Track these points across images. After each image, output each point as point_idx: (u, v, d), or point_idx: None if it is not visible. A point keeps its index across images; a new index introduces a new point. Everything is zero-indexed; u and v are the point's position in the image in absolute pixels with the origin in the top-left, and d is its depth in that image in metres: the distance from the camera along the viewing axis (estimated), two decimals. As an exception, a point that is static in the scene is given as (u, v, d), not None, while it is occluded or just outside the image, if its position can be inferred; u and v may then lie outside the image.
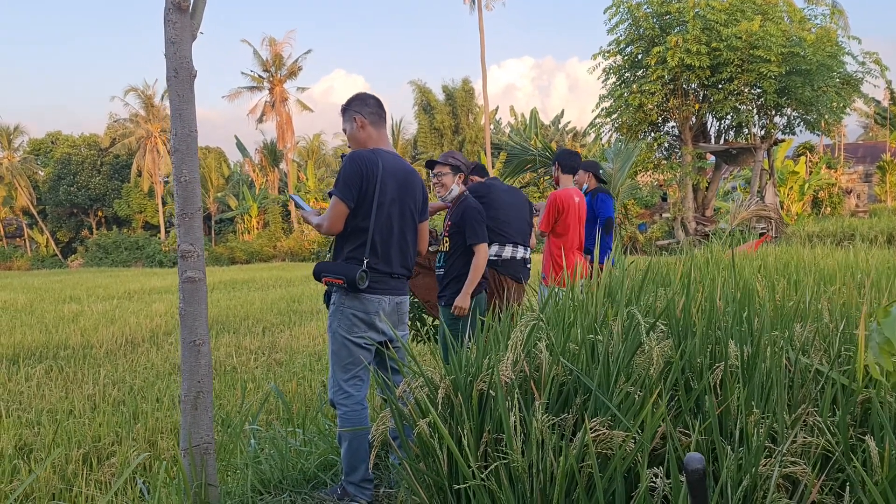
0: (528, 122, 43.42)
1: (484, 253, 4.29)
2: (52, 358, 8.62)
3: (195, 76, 2.60)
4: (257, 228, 46.79)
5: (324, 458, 3.50)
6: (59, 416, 5.88)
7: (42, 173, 53.61)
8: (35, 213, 51.45)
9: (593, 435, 1.88)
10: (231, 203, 48.67)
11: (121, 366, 8.10)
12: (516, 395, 2.03)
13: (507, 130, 47.27)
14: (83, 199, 51.11)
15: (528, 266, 5.06)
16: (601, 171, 6.97)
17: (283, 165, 49.13)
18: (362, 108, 3.24)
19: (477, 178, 5.29)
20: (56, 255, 50.72)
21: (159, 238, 47.12)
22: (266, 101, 45.60)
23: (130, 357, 8.68)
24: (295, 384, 6.84)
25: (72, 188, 50.54)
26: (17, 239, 54.68)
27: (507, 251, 4.87)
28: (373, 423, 3.22)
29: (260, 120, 45.98)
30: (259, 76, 45.39)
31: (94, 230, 52.46)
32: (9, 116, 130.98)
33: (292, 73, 45.45)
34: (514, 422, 1.97)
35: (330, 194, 3.10)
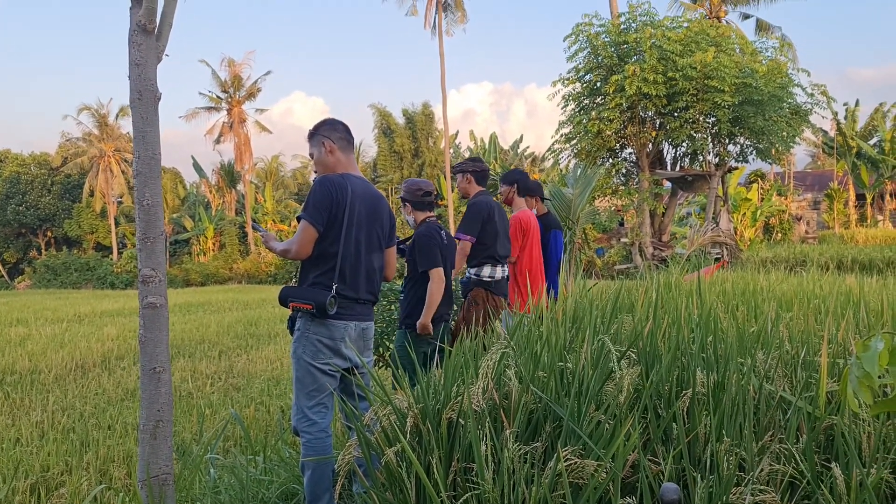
0: (487, 146, 43.79)
1: (437, 277, 4.26)
2: (-3, 384, 8.32)
3: (159, 99, 2.56)
4: (213, 250, 46.06)
5: (285, 487, 3.42)
6: (5, 445, 5.67)
7: (-11, 192, 52.07)
8: (-19, 233, 49.86)
9: (566, 464, 1.87)
10: (187, 224, 47.87)
11: (70, 392, 7.86)
12: (487, 424, 2.01)
13: (467, 154, 47.60)
14: (32, 219, 49.75)
15: (508, 282, 5.09)
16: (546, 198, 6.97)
17: (240, 187, 48.57)
18: (331, 133, 3.23)
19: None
20: (2, 276, 49.17)
21: (111, 259, 46.03)
22: (224, 122, 45.11)
23: (81, 382, 8.42)
24: (253, 410, 6.71)
25: (20, 207, 49.16)
26: (-38, 259, 52.89)
27: (498, 272, 4.88)
28: (337, 451, 3.17)
29: (217, 141, 45.43)
30: (217, 97, 44.95)
31: (42, 251, 51.02)
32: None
33: (251, 95, 45.13)
34: (485, 450, 1.95)
35: (298, 218, 3.07)
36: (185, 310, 18.46)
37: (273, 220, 46.63)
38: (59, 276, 43.51)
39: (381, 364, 6.08)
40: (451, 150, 43.49)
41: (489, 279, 4.83)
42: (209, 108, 45.18)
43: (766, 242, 25.41)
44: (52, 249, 50.01)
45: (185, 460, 4.23)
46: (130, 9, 2.56)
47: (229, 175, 48.21)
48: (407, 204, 4.45)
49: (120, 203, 48.41)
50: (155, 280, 2.54)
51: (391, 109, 46.09)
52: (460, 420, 2.18)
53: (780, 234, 28.08)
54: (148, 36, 2.51)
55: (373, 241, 3.22)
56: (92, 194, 47.29)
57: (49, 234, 51.83)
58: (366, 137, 67.36)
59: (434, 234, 4.34)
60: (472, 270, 4.89)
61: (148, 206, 2.56)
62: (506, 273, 5.00)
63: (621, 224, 29.26)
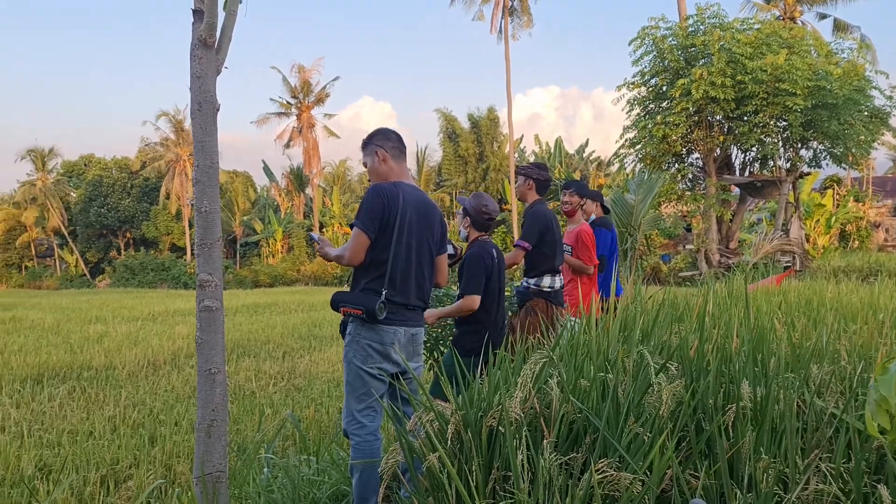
0: (552, 150, 43.53)
1: (468, 304, 4.14)
2: (75, 378, 8.73)
3: (218, 109, 2.67)
4: (282, 252, 47.18)
5: (336, 488, 3.49)
6: (79, 438, 5.94)
7: (74, 195, 54.65)
8: (66, 234, 52.36)
9: (600, 476, 1.87)
10: (256, 227, 49.17)
11: (142, 388, 8.17)
12: (524, 433, 2.03)
13: (532, 159, 47.40)
14: (113, 221, 51.96)
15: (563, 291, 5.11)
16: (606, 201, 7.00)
17: (308, 190, 49.63)
18: (384, 143, 3.30)
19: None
20: (84, 275, 51.47)
21: (185, 260, 47.67)
22: (293, 127, 46.21)
23: (151, 379, 8.75)
24: (312, 410, 6.85)
25: (102, 210, 51.44)
26: (48, 259, 55.62)
27: (557, 282, 4.89)
28: (385, 455, 3.23)
29: (287, 145, 46.57)
30: (287, 102, 46.07)
31: (122, 251, 53.23)
32: (44, 138, 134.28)
33: (320, 100, 46.08)
34: (522, 460, 1.97)
35: (351, 226, 3.15)
36: (253, 310, 18.95)
37: (339, 224, 47.43)
38: (136, 275, 45.30)
39: (432, 369, 6.14)
40: (516, 155, 43.38)
41: (549, 289, 4.85)
42: (279, 114, 46.33)
43: (842, 250, 24.42)
44: (131, 250, 52.13)
45: (241, 458, 4.36)
46: (192, 24, 2.68)
47: (298, 179, 49.31)
48: (467, 216, 4.44)
49: (193, 205, 50.04)
50: (212, 284, 2.65)
51: (457, 114, 46.39)
52: (500, 428, 2.20)
53: (856, 242, 26.96)
54: (208, 49, 2.63)
55: (423, 248, 3.28)
56: (168, 197, 49.09)
57: (128, 235, 54.04)
58: (431, 142, 67.87)
59: (484, 258, 4.27)
60: (532, 280, 4.90)
61: (206, 212, 2.67)
62: (562, 283, 5.01)
63: (688, 230, 28.61)
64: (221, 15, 2.67)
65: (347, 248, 3.17)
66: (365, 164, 3.37)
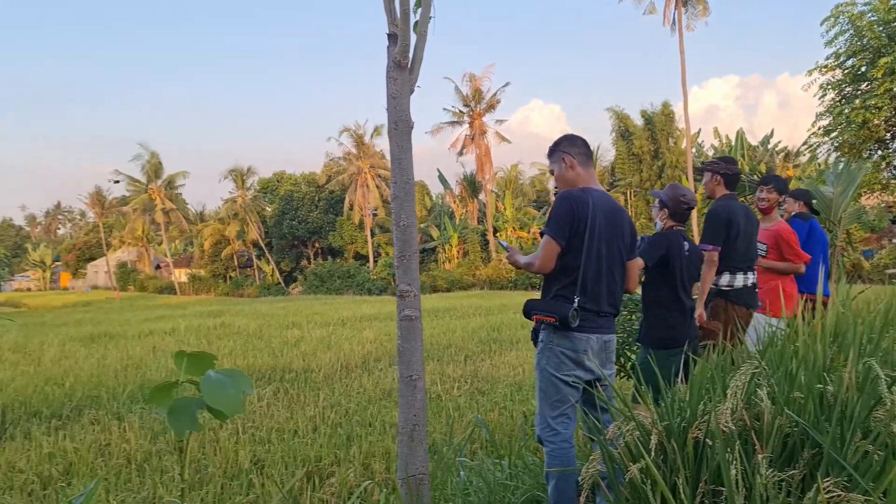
0: (733, 143, 41.10)
1: (638, 266, 3.82)
2: (278, 380, 9.45)
3: (412, 127, 2.80)
4: (457, 257, 48.30)
5: (530, 493, 3.52)
6: (285, 436, 6.43)
7: (269, 209, 59.36)
8: (263, 246, 57.00)
9: (828, 496, 1.74)
10: (433, 233, 50.71)
11: (337, 390, 8.68)
12: (737, 447, 1.94)
13: (711, 153, 45.04)
14: (303, 232, 55.84)
15: (756, 290, 4.80)
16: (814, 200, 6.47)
17: (481, 196, 50.42)
18: (570, 149, 3.29)
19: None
20: (280, 283, 55.69)
21: (368, 267, 50.16)
22: (466, 135, 47.19)
23: (345, 382, 9.27)
24: (497, 413, 6.95)
25: (293, 222, 55.45)
26: (248, 269, 60.82)
27: (739, 280, 4.64)
28: (580, 462, 3.21)
29: (460, 153, 47.64)
30: (459, 111, 47.13)
31: (311, 260, 57.05)
32: (243, 159, 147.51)
33: (491, 107, 46.69)
34: (736, 475, 1.88)
35: (541, 233, 3.17)
36: (433, 315, 19.56)
37: (513, 228, 47.77)
38: (325, 282, 48.34)
39: (621, 375, 6.01)
40: (694, 150, 41.45)
41: (727, 288, 4.58)
42: (452, 123, 47.52)
43: None
44: (319, 259, 55.76)
45: (437, 461, 4.51)
46: (387, 47, 2.83)
47: (471, 185, 50.26)
48: (665, 208, 4.33)
49: (375, 215, 52.57)
50: (410, 294, 2.77)
51: (629, 111, 45.03)
52: (707, 440, 2.12)
53: None
54: (402, 71, 2.76)
55: (614, 254, 3.23)
56: (351, 208, 51.90)
57: (317, 245, 57.83)
58: (603, 141, 66.44)
59: (670, 242, 4.18)
60: None
61: (404, 226, 2.80)
62: (749, 281, 4.68)
63: (894, 222, 25.85)
64: (413, 37, 2.79)
65: (538, 257, 3.19)
66: (552, 172, 3.37)
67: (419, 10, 2.84)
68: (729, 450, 1.96)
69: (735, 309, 4.57)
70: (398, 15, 2.73)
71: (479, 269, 44.78)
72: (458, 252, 48.72)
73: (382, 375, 9.56)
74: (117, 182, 58.56)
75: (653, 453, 2.19)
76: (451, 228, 48.37)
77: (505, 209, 48.38)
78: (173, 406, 1.10)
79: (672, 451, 2.21)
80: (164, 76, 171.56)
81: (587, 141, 3.34)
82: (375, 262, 50.89)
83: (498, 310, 21.08)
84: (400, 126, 2.76)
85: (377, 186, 50.84)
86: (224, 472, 5.43)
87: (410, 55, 2.78)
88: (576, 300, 3.10)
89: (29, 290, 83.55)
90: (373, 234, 52.51)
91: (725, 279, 4.59)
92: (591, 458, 2.39)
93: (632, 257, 3.37)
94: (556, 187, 3.38)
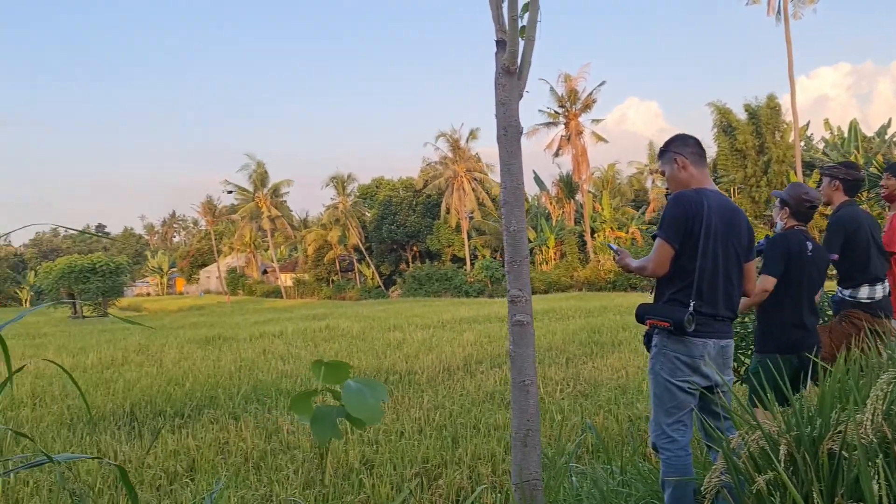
0: (846, 135, 38.85)
1: (765, 286, 3.85)
2: (383, 382, 9.62)
3: (522, 133, 2.80)
4: (555, 259, 47.88)
5: (644, 501, 3.45)
6: (392, 437, 6.54)
7: (368, 214, 60.74)
8: (363, 250, 58.37)
9: None
10: (530, 235, 50.44)
11: (440, 392, 8.75)
12: (880, 461, 1.83)
13: (821, 146, 42.75)
14: (401, 236, 56.81)
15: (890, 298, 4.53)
16: None
17: (578, 196, 49.81)
18: (682, 149, 3.20)
19: None
20: (380, 286, 56.86)
21: (465, 270, 50.45)
22: (562, 136, 46.75)
23: (447, 384, 9.33)
24: (601, 417, 6.83)
25: (392, 226, 56.50)
26: (350, 273, 62.42)
27: (879, 291, 4.39)
28: (696, 470, 3.12)
29: (556, 154, 47.24)
30: (555, 112, 46.74)
31: (410, 263, 57.94)
32: (343, 166, 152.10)
33: (587, 106, 46.07)
34: (879, 490, 1.78)
35: (654, 236, 3.10)
36: (534, 317, 19.45)
37: (611, 228, 46.92)
38: (423, 285, 48.98)
39: (735, 380, 5.79)
40: (802, 143, 39.48)
41: (868, 300, 4.33)
42: (548, 124, 47.19)
43: None
44: (418, 262, 56.56)
45: (548, 466, 4.49)
46: (495, 53, 2.84)
47: (568, 186, 49.74)
48: (785, 207, 4.15)
49: (471, 218, 52.84)
50: (522, 300, 2.77)
51: (731, 106, 43.27)
52: (843, 452, 2.01)
53: None
54: (511, 77, 2.77)
55: (731, 256, 3.12)
56: (448, 211, 52.36)
57: (415, 248, 58.70)
58: (704, 137, 64.07)
59: (789, 243, 3.99)
60: (847, 292, 4.42)
61: (514, 231, 2.80)
62: (887, 290, 4.42)
63: None
64: (521, 43, 2.79)
65: (650, 260, 3.12)
66: (663, 173, 3.29)
67: (526, 15, 2.84)
68: (870, 462, 1.86)
69: (874, 321, 4.31)
70: (506, 21, 2.74)
71: (576, 270, 44.23)
72: (554, 254, 48.29)
73: (484, 378, 9.58)
74: (230, 192, 61.42)
75: (782, 464, 2.10)
76: (548, 230, 47.99)
77: (602, 209, 47.57)
78: (316, 414, 1.14)
79: (803, 463, 2.11)
80: (269, 87, 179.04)
81: (699, 140, 3.24)
82: (472, 264, 51.12)
83: (598, 311, 20.74)
84: (509, 132, 2.77)
85: (473, 189, 51.08)
86: (335, 471, 5.58)
87: (518, 61, 2.78)
88: (691, 304, 3.01)
89: (148, 294, 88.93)
90: (469, 237, 52.77)
91: (865, 291, 4.35)
92: (714, 467, 2.32)
93: (750, 258, 3.24)
94: (667, 188, 3.29)
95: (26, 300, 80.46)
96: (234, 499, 4.93)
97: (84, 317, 40.25)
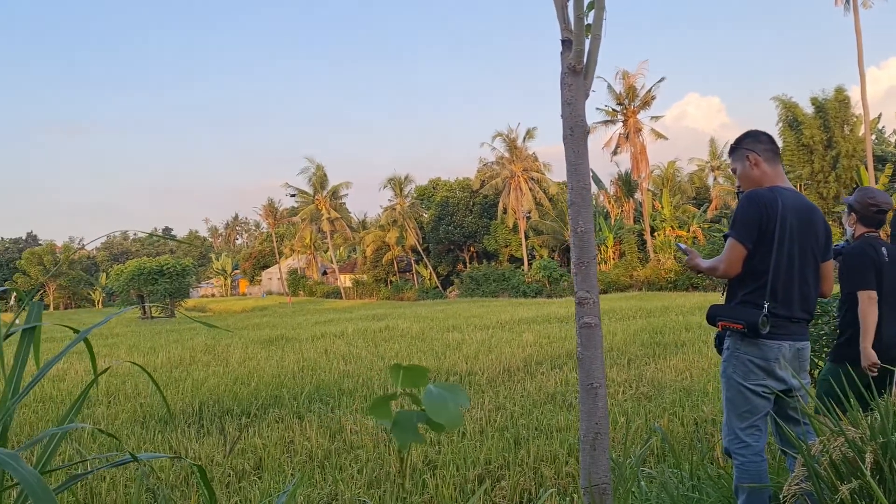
0: (924, 126, 37.22)
1: (866, 299, 3.68)
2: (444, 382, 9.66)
3: (588, 133, 2.76)
4: (613, 258, 47.25)
5: (716, 507, 3.37)
6: (454, 438, 6.55)
7: (426, 215, 61.06)
8: (421, 251, 58.71)
9: None
10: (588, 235, 49.89)
11: (500, 393, 8.73)
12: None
13: (894, 139, 41.08)
14: (458, 237, 56.92)
15: None
16: None
17: (637, 195, 49.03)
18: (755, 146, 3.11)
19: None
20: (437, 286, 57.08)
21: (523, 270, 50.21)
22: (620, 134, 46.11)
23: (508, 385, 9.30)
24: (666, 420, 6.71)
25: (449, 227, 56.66)
26: (407, 273, 62.89)
27: None
28: (771, 477, 3.03)
29: (615, 152, 46.62)
30: (613, 110, 46.13)
31: (467, 264, 58.00)
32: (401, 168, 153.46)
33: (646, 103, 45.33)
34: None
35: (725, 236, 3.02)
36: (593, 318, 19.21)
37: (671, 227, 46.05)
38: (480, 286, 48.96)
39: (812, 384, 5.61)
40: (874, 137, 38.01)
41: None
42: (605, 122, 46.61)
43: None
44: (475, 262, 56.58)
45: (614, 469, 4.43)
46: (561, 53, 2.81)
47: (626, 185, 49.04)
48: (853, 213, 4.00)
49: (528, 218, 52.57)
50: (590, 302, 2.74)
51: (796, 99, 41.94)
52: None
53: None
54: (577, 76, 2.74)
55: (807, 256, 3.02)
56: (505, 211, 52.21)
57: (472, 249, 58.74)
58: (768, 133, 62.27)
59: (867, 251, 3.82)
60: None
61: (581, 232, 2.77)
62: None
63: None
64: (587, 41, 2.76)
65: (722, 260, 3.04)
66: (734, 171, 3.20)
67: (591, 13, 2.80)
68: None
69: None
70: (572, 20, 2.71)
71: (636, 269, 43.54)
72: (613, 253, 47.64)
73: (545, 379, 9.52)
74: (293, 195, 62.64)
75: (868, 472, 2.02)
76: (607, 229, 47.38)
77: (662, 208, 46.72)
78: (397, 419, 1.15)
79: (890, 472, 2.03)
80: (328, 91, 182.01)
81: (772, 136, 3.15)
82: (530, 264, 50.84)
83: (659, 312, 20.39)
84: (575, 132, 2.74)
85: (530, 189, 50.81)
86: (399, 471, 5.62)
87: (584, 59, 2.75)
88: (765, 306, 2.92)
89: (213, 295, 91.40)
90: (526, 237, 52.50)
91: None
92: (794, 474, 2.25)
93: (827, 258, 3.13)
94: (738, 187, 3.20)
95: (99, 301, 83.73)
96: (301, 496, 5.01)
97: (153, 317, 41.61)
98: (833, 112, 40.28)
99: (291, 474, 5.62)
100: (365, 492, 5.14)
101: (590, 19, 2.80)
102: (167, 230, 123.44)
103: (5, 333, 1.82)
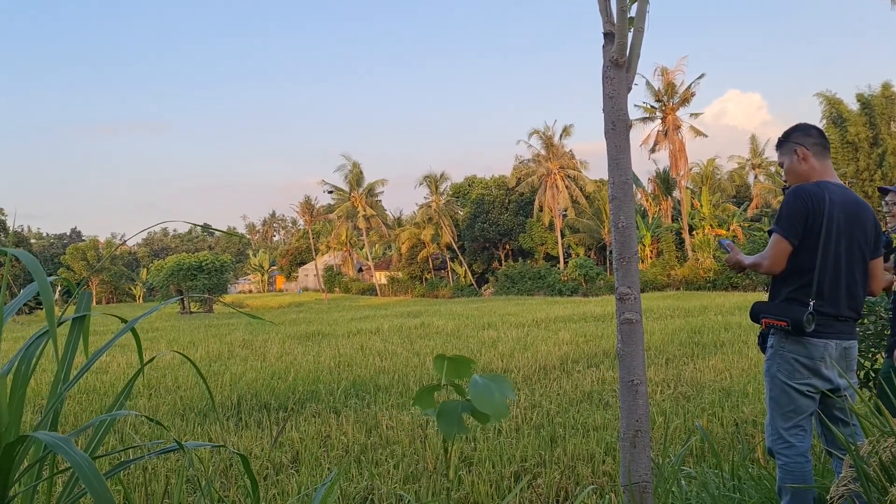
0: (976, 122, 36.09)
1: None
2: (479, 380, 9.65)
3: (630, 127, 2.73)
4: (651, 257, 46.72)
5: (758, 508, 3.31)
6: (489, 435, 6.54)
7: (461, 213, 61.08)
8: (456, 248, 58.73)
9: None
10: (625, 233, 49.41)
11: (536, 391, 8.69)
12: None
13: (945, 137, 39.87)
14: (494, 234, 56.83)
15: None
16: None
17: (675, 193, 48.40)
18: (804, 139, 3.04)
19: None
20: (472, 284, 57.07)
21: (559, 268, 49.93)
22: (658, 131, 45.58)
23: (544, 383, 9.26)
24: (705, 420, 6.62)
25: (485, 225, 56.60)
26: (442, 271, 62.98)
27: None
28: (815, 478, 2.96)
29: (653, 150, 46.11)
30: (651, 107, 45.61)
31: (502, 262, 57.87)
32: (436, 165, 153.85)
33: (685, 100, 44.73)
34: None
35: (769, 232, 2.96)
36: (629, 317, 19.02)
37: (710, 225, 45.37)
38: (515, 284, 48.82)
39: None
40: (924, 133, 36.92)
41: None
42: (643, 119, 46.10)
43: None
44: (510, 260, 56.43)
45: (656, 469, 4.38)
46: (603, 46, 2.79)
47: (664, 182, 48.42)
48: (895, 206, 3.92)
49: (564, 216, 52.26)
50: (631, 297, 2.71)
51: (841, 96, 41.00)
52: None
53: None
54: (619, 70, 2.71)
55: (854, 253, 2.94)
56: (541, 209, 51.99)
57: (507, 246, 58.61)
58: (812, 129, 60.86)
59: None
60: None
61: (623, 227, 2.74)
62: None
63: None
64: (629, 34, 2.73)
65: (766, 256, 2.98)
66: (781, 165, 3.13)
67: (634, 6, 2.77)
68: None
69: None
70: (614, 13, 2.68)
71: (674, 268, 43.01)
72: (651, 252, 47.11)
73: (581, 377, 9.45)
74: (330, 192, 63.21)
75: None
76: (644, 227, 46.87)
77: (701, 206, 46.05)
78: (442, 409, 1.14)
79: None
80: (364, 88, 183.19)
81: (822, 131, 3.07)
82: (566, 262, 50.54)
83: (697, 311, 20.11)
84: (617, 126, 2.71)
85: (566, 187, 50.49)
86: (434, 467, 5.63)
87: (627, 52, 2.72)
88: (811, 303, 2.86)
89: (250, 291, 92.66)
90: (563, 235, 52.19)
91: None
92: (842, 475, 2.20)
93: (876, 255, 3.05)
94: (785, 181, 3.13)
95: (139, 296, 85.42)
96: (338, 490, 5.05)
97: (191, 312, 42.35)
98: (879, 108, 39.31)
99: (328, 468, 5.66)
100: (401, 486, 5.16)
101: (632, 12, 2.77)
102: (205, 227, 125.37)
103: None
